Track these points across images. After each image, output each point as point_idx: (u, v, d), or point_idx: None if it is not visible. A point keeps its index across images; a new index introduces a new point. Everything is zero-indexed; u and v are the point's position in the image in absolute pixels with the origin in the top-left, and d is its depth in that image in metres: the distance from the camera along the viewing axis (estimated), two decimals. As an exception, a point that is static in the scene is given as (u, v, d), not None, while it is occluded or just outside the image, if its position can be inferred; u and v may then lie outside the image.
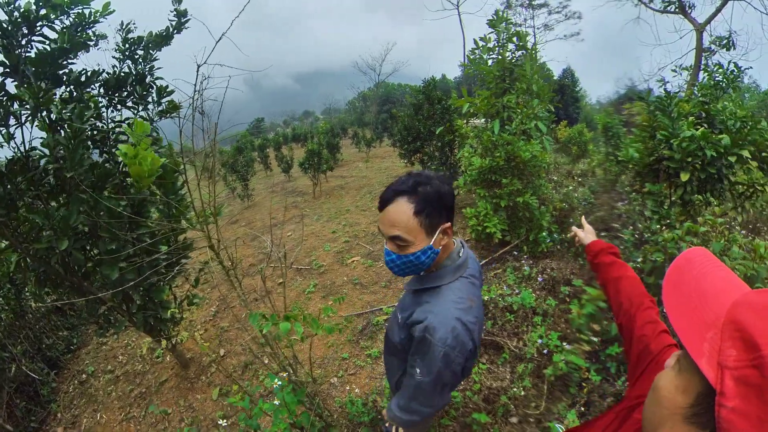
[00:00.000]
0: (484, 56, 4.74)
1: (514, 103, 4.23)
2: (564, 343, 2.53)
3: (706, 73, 3.35)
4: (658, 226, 3.32)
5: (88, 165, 2.22)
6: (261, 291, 4.36)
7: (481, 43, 4.75)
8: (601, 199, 6.22)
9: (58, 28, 2.11)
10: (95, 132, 2.46)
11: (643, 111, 3.55)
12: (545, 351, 2.47)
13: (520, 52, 4.59)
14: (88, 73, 2.37)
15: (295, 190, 10.99)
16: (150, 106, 2.76)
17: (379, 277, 4.40)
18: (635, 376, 0.83)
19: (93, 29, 2.34)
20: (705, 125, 3.21)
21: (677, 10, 10.96)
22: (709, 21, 10.28)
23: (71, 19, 2.17)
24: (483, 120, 4.74)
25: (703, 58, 9.95)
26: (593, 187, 6.86)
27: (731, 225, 2.80)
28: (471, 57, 4.92)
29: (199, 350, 3.91)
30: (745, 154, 2.85)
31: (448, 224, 1.02)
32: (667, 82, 3.53)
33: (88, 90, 2.41)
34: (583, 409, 2.09)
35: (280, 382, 1.73)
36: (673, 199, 3.21)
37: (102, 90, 2.51)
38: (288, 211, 8.18)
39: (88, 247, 2.44)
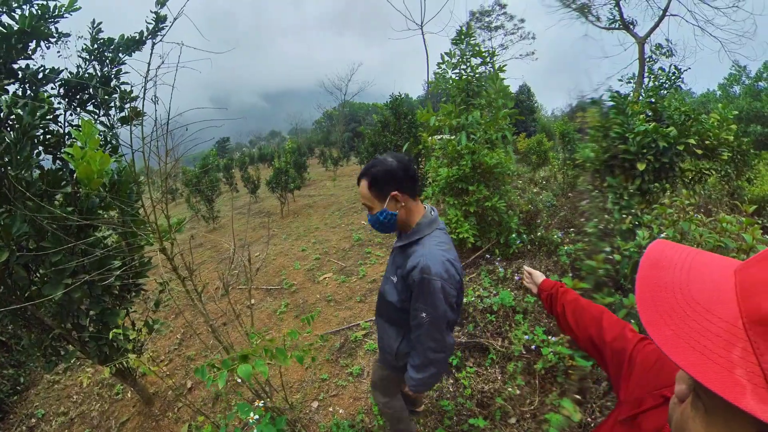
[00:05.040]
0: (449, 71, 4.92)
1: (477, 117, 4.37)
2: (550, 337, 2.53)
3: (651, 76, 3.64)
4: (619, 216, 3.50)
5: (35, 165, 2.03)
6: (229, 315, 4.10)
7: (446, 59, 4.94)
8: (562, 201, 6.49)
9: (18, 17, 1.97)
10: (49, 136, 2.27)
11: (596, 114, 3.77)
12: (533, 347, 2.45)
13: (483, 68, 4.80)
14: (47, 71, 2.20)
15: (263, 210, 10.70)
16: (111, 112, 2.58)
17: (353, 292, 4.27)
18: (619, 381, 0.78)
19: (56, 24, 2.20)
20: (654, 121, 3.45)
21: (621, 26, 12.08)
22: (649, 34, 11.41)
23: (34, 10, 2.04)
24: (447, 135, 4.85)
25: (646, 66, 10.94)
26: (555, 190, 7.15)
27: (685, 208, 2.99)
28: (437, 73, 5.07)
29: (163, 383, 3.60)
30: (692, 141, 3.09)
31: (395, 192, 1.26)
32: (615, 90, 3.80)
33: (44, 90, 2.23)
34: (578, 397, 2.07)
35: (257, 416, 1.52)
36: (631, 190, 3.38)
37: (62, 91, 2.33)
38: (255, 231, 7.90)
39: (33, 267, 2.20)
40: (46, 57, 2.28)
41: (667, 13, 10.87)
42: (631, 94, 3.66)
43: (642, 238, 2.14)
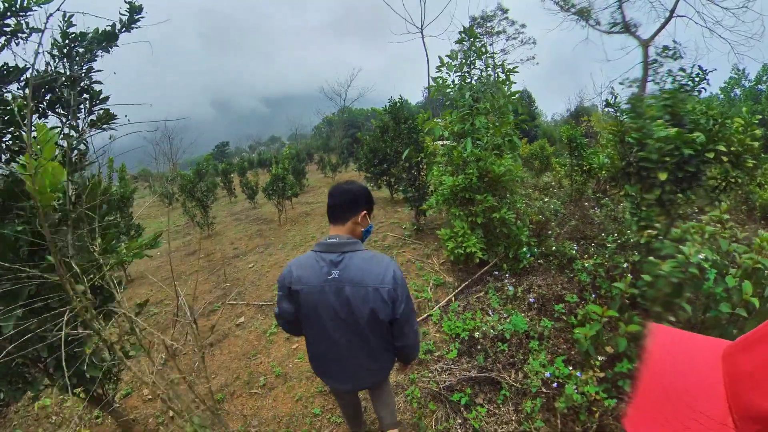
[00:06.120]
0: (451, 74, 4.68)
1: (484, 123, 4.14)
2: (570, 368, 2.25)
3: (671, 77, 3.38)
4: (636, 228, 3.25)
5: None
6: (218, 334, 3.81)
7: (446, 60, 4.69)
8: (570, 209, 6.22)
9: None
10: (14, 141, 2.01)
11: (601, 119, 3.53)
12: (554, 384, 2.14)
13: (488, 70, 4.57)
14: (10, 68, 1.95)
15: (260, 217, 10.44)
16: (81, 114, 2.34)
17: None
18: None
19: (26, 19, 1.96)
20: (674, 126, 3.19)
21: (623, 29, 11.84)
22: (654, 36, 11.14)
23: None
24: (450, 141, 4.60)
25: (651, 70, 10.75)
26: (562, 197, 6.88)
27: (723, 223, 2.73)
28: (436, 78, 4.81)
29: (144, 409, 3.33)
30: (721, 148, 2.83)
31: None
32: (617, 94, 3.55)
33: (9, 90, 1.98)
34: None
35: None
36: (650, 200, 3.12)
37: (27, 91, 2.09)
38: (251, 240, 7.62)
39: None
40: (17, 53, 2.04)
41: (674, 15, 10.66)
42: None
43: (689, 255, 1.86)
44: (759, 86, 19.67)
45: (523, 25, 29.30)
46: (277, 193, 8.70)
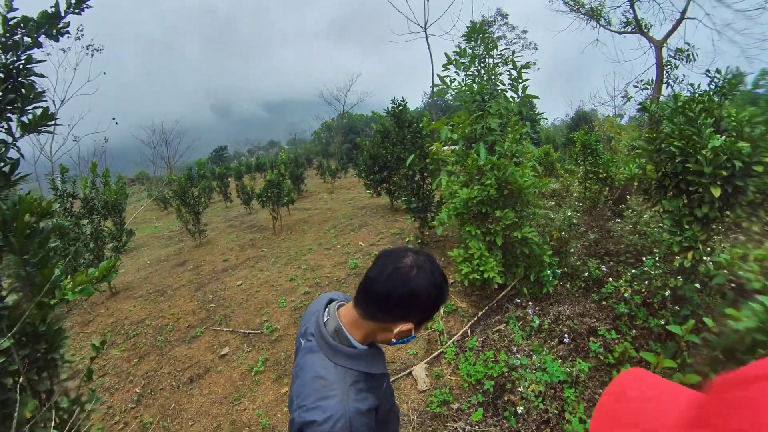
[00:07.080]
0: (460, 73, 4.33)
1: (497, 125, 3.75)
2: None
3: (709, 78, 2.99)
4: (678, 249, 2.85)
5: None
6: (198, 367, 3.35)
7: (454, 58, 4.33)
8: (585, 219, 5.79)
9: None
10: None
11: (611, 123, 3.11)
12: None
13: (498, 67, 4.24)
14: None
15: (255, 224, 10.00)
16: (13, 116, 1.91)
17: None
18: None
19: None
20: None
21: (635, 30, 11.45)
22: (667, 37, 10.76)
23: None
24: (461, 145, 4.21)
25: (665, 72, 10.37)
26: (576, 206, 6.46)
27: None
28: (444, 77, 4.43)
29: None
30: (769, 160, 2.42)
31: None
32: (631, 96, 3.14)
33: None
34: None
35: None
36: (697, 216, 2.71)
37: None
38: (243, 251, 7.17)
39: None
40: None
41: (685, 17, 10.29)
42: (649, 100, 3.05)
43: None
44: (756, 90, 19.41)
45: (524, 31, 29.06)
46: (272, 200, 8.26)
